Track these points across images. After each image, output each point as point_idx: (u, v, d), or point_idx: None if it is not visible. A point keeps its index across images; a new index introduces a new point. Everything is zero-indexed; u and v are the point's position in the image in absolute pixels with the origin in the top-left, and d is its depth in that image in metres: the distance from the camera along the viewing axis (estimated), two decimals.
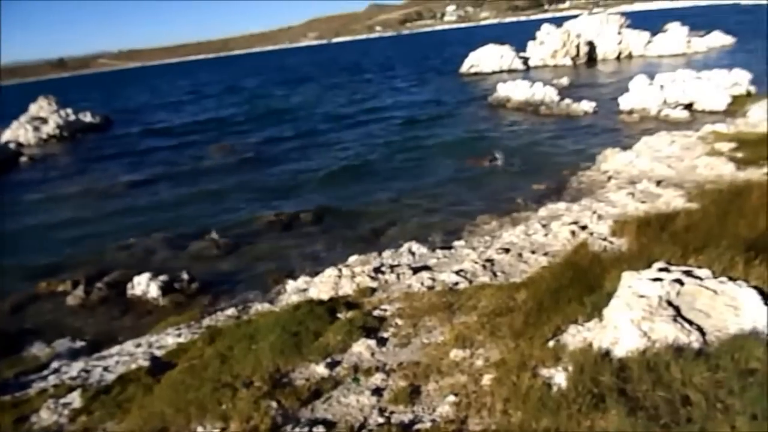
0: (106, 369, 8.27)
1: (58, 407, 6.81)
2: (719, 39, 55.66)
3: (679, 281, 4.42)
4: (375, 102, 46.14)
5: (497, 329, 5.81)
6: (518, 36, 67.67)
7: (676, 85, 27.19)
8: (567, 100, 31.18)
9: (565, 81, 40.18)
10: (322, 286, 10.13)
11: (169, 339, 9.33)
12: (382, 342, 6.46)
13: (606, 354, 4.13)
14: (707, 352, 3.76)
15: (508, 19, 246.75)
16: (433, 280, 8.93)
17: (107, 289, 14.12)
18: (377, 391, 5.30)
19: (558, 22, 59.35)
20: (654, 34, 56.17)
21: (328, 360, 6.19)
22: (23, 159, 36.48)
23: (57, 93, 50.60)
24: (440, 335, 6.29)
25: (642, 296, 4.34)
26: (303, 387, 5.61)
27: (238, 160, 29.63)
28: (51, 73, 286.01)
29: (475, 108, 36.10)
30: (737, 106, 24.32)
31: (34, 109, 45.85)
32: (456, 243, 12.11)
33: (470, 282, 8.50)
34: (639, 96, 27.73)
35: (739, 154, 14.90)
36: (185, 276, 13.99)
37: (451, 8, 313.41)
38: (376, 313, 7.56)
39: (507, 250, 9.96)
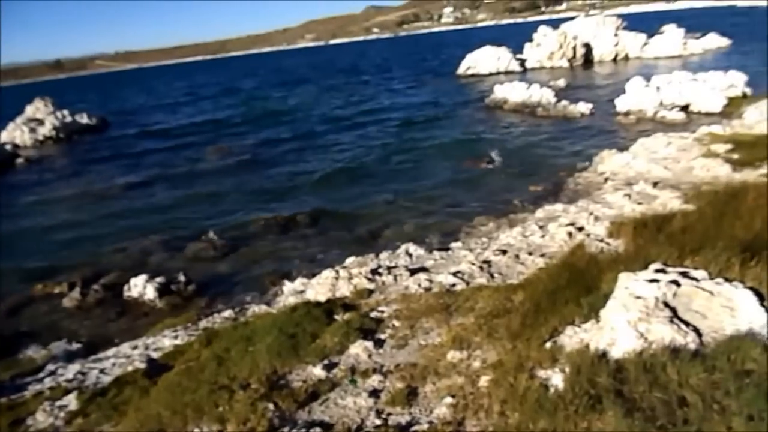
0: (102, 371, 8.24)
1: (54, 410, 6.79)
2: (715, 41, 55.91)
3: (676, 282, 4.43)
4: (372, 104, 46.15)
5: (494, 331, 5.82)
6: (515, 38, 67.88)
7: (672, 87, 27.29)
8: (564, 102, 31.26)
9: (561, 83, 40.29)
10: (319, 287, 10.13)
11: (165, 341, 9.31)
12: (379, 343, 6.46)
13: (603, 355, 4.13)
14: (704, 353, 3.76)
15: (504, 21, 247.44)
16: (430, 281, 8.94)
17: (104, 291, 14.08)
18: (374, 393, 5.30)
19: (555, 24, 59.52)
20: (650, 36, 56.36)
21: (325, 362, 6.19)
22: (19, 160, 36.36)
23: (53, 94, 50.51)
24: (437, 337, 6.29)
25: (638, 297, 4.35)
26: (300, 389, 5.61)
27: (235, 161, 29.59)
28: (47, 75, 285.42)
29: (472, 110, 36.14)
30: (733, 107, 24.42)
31: (30, 110, 45.71)
32: (453, 244, 12.12)
33: (467, 283, 8.51)
34: (635, 98, 27.83)
35: (735, 156, 14.96)
36: (182, 278, 13.96)
37: (448, 10, 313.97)
38: (373, 314, 7.56)
39: (504, 252, 9.97)
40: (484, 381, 4.79)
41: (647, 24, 64.19)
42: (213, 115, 50.95)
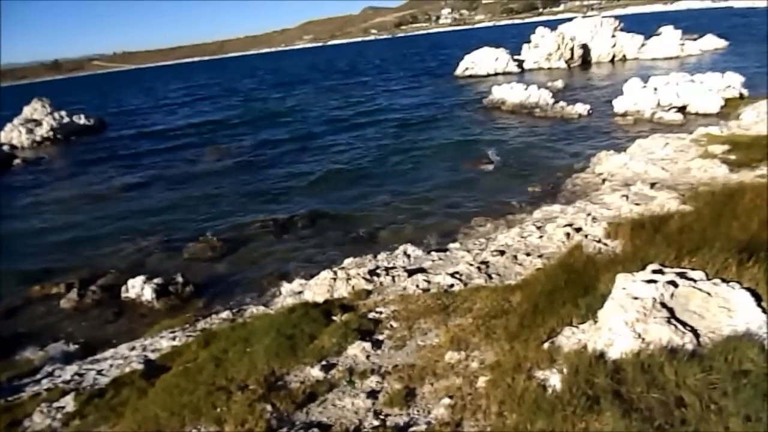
0: (99, 372, 8.22)
1: (52, 411, 6.77)
2: (712, 42, 56.08)
3: (673, 283, 4.44)
4: (370, 105, 46.17)
5: (492, 331, 5.82)
6: (513, 39, 68.02)
7: (669, 88, 27.37)
8: (561, 103, 31.32)
9: (559, 84, 40.35)
10: (317, 288, 10.12)
11: (163, 342, 9.29)
12: (377, 344, 6.46)
13: (600, 356, 4.14)
14: (701, 353, 3.77)
15: (502, 22, 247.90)
16: (429, 282, 8.94)
17: (101, 293, 14.05)
18: (372, 394, 5.30)
19: (552, 25, 59.68)
20: (648, 37, 56.50)
21: (323, 363, 6.19)
22: (17, 161, 36.29)
23: (51, 95, 50.43)
24: (435, 337, 6.30)
25: (636, 298, 4.36)
26: (298, 390, 5.60)
27: (233, 162, 29.57)
28: (45, 75, 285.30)
29: (470, 110, 36.17)
30: (730, 108, 24.50)
31: (27, 111, 45.62)
32: (451, 245, 12.11)
33: (465, 284, 8.52)
34: (633, 99, 27.91)
35: (732, 157, 14.99)
36: (180, 279, 13.94)
37: (446, 11, 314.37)
38: (371, 315, 7.56)
39: (502, 252, 9.98)
40: (482, 382, 4.80)
41: (645, 25, 64.38)
42: (211, 116, 50.89)
